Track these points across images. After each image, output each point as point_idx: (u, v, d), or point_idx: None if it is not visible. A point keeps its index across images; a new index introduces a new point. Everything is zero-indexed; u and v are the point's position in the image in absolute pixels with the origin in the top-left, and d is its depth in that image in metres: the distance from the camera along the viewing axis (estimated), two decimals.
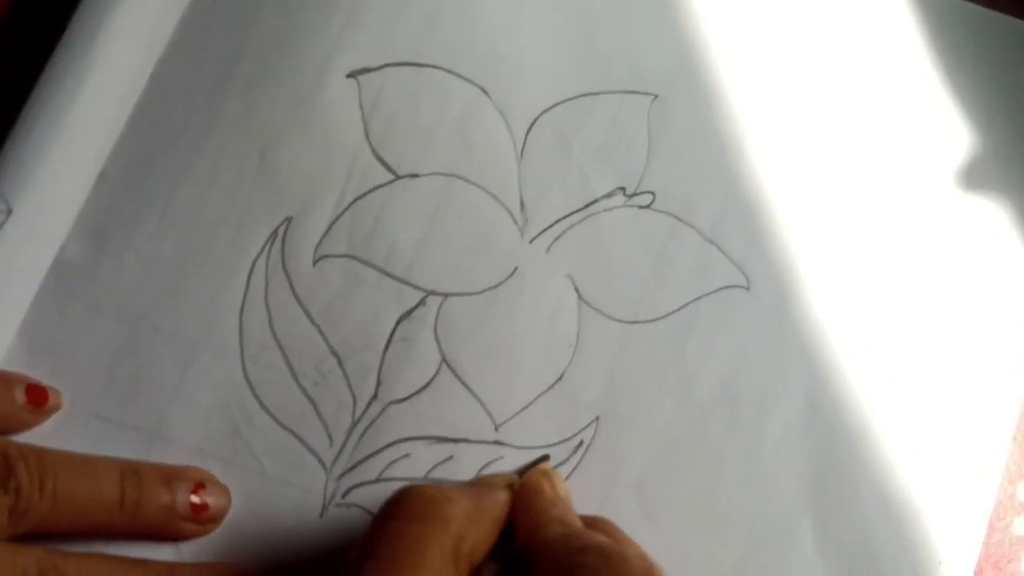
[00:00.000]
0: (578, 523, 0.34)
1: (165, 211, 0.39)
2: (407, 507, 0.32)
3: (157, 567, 0.35)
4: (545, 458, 0.38)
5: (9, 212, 0.37)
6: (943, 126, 0.41)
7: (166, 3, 0.40)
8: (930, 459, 0.39)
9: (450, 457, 0.38)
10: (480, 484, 0.36)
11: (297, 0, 0.41)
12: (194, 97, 0.40)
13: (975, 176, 0.41)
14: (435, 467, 0.38)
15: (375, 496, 0.38)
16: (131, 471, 0.36)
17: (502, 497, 0.35)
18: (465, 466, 0.38)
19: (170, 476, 0.36)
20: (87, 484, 0.35)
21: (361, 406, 0.38)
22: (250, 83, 0.40)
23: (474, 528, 0.33)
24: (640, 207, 0.41)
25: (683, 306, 0.40)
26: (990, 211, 0.41)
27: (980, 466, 0.39)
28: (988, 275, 0.40)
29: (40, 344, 0.38)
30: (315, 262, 0.39)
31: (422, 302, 0.39)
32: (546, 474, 0.36)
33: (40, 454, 0.34)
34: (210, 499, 0.36)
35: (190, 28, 0.41)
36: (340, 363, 0.39)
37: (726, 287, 0.40)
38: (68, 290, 0.38)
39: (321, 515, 0.37)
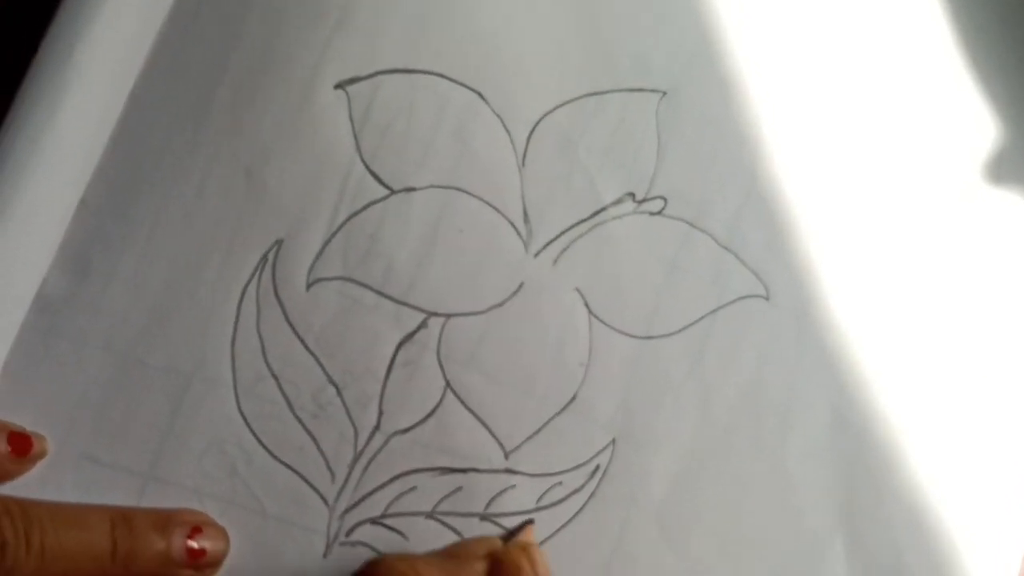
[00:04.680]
0: None
1: (150, 239, 0.37)
2: None
3: None
4: (529, 522, 0.36)
5: None
6: (970, 117, 0.39)
7: (144, 18, 0.38)
8: (964, 473, 0.37)
9: (459, 488, 0.36)
10: (457, 555, 0.35)
11: (283, 8, 0.39)
12: (176, 116, 0.38)
13: (1005, 172, 0.38)
14: (443, 499, 0.36)
15: (381, 533, 0.36)
16: (122, 519, 0.34)
17: (479, 569, 0.33)
18: (475, 497, 0.36)
19: (164, 521, 0.34)
20: (76, 536, 0.33)
21: (363, 438, 0.36)
22: (235, 99, 0.38)
23: None
24: (651, 214, 0.38)
25: (699, 318, 0.38)
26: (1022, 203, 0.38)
27: (1018, 479, 0.37)
28: (1018, 274, 0.38)
29: (24, 383, 0.36)
30: (309, 286, 0.37)
31: (423, 324, 0.37)
32: (526, 550, 0.35)
33: (25, 507, 0.33)
34: (207, 543, 0.35)
35: (170, 43, 0.38)
36: (339, 392, 0.37)
37: (744, 297, 0.38)
38: (52, 326, 0.36)
39: (325, 555, 0.36)
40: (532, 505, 0.36)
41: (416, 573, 0.31)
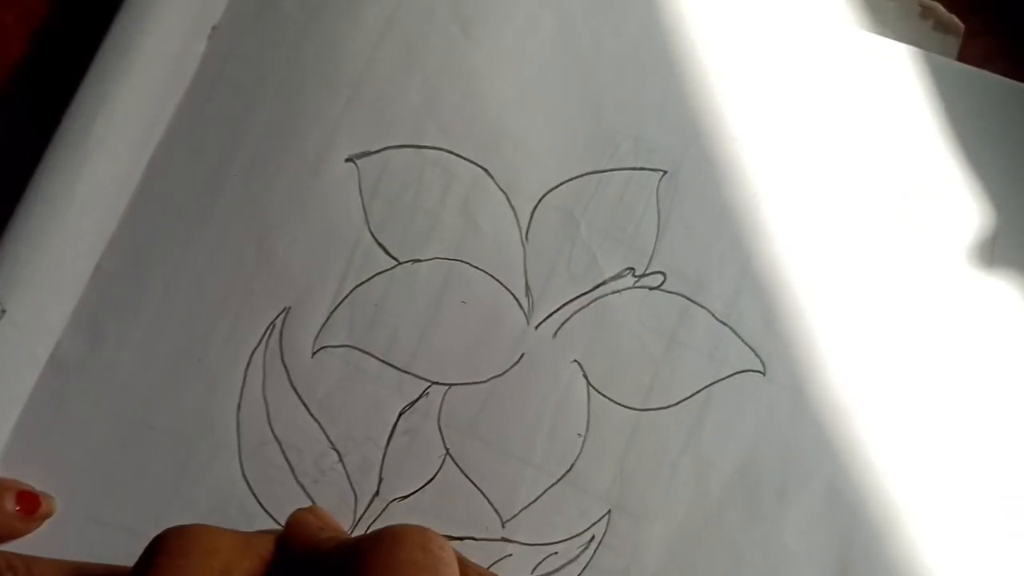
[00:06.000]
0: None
1: (162, 304, 0.38)
2: (167, 543, 0.29)
3: None
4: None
5: (2, 312, 0.36)
6: (961, 200, 0.40)
7: (162, 91, 0.40)
8: (957, 548, 0.37)
9: None
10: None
11: (297, 83, 0.40)
12: (191, 187, 0.39)
13: (997, 252, 0.39)
14: None
15: None
16: None
17: (269, 538, 0.31)
18: None
19: None
20: None
21: (363, 503, 0.37)
22: (249, 170, 0.39)
23: (242, 560, 0.29)
24: (650, 288, 0.39)
25: (696, 392, 0.38)
26: (1015, 287, 0.39)
27: (1009, 554, 0.37)
28: (1011, 354, 0.38)
29: (35, 444, 0.37)
30: (314, 353, 0.38)
31: (425, 393, 0.38)
32: (312, 510, 0.33)
33: (29, 564, 0.33)
34: None
35: (187, 115, 0.40)
36: (340, 458, 0.37)
37: (741, 371, 0.39)
38: (64, 388, 0.37)
39: None
40: (528, 574, 0.37)
41: (205, 527, 0.29)
